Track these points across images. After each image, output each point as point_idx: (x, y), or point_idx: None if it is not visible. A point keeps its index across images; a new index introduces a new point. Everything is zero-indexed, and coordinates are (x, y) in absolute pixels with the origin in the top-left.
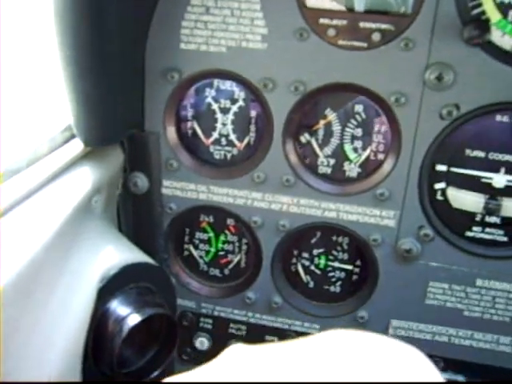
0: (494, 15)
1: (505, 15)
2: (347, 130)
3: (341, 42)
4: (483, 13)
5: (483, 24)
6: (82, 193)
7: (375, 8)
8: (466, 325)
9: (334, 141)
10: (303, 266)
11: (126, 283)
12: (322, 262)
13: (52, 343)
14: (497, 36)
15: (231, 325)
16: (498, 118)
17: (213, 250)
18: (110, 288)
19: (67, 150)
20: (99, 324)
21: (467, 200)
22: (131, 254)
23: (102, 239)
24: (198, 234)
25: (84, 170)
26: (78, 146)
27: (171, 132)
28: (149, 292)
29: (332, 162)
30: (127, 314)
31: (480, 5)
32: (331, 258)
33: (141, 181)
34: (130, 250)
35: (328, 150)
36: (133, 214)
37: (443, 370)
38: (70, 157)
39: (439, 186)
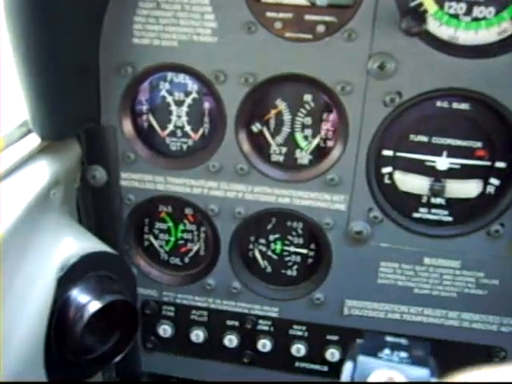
0: (431, 6)
1: (441, 6)
2: (297, 118)
3: (287, 35)
4: (421, 4)
5: (420, 15)
6: (40, 186)
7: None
8: (417, 302)
9: (285, 130)
10: (260, 251)
11: (85, 272)
12: (278, 247)
13: (13, 332)
14: (434, 26)
15: (193, 311)
16: (439, 103)
17: (172, 239)
18: (69, 277)
19: (24, 145)
20: (60, 312)
21: (413, 183)
22: (90, 244)
23: (61, 230)
24: (158, 224)
25: (41, 164)
26: (34, 140)
27: (127, 125)
28: (108, 280)
29: (284, 150)
30: (87, 302)
31: None
32: (287, 242)
33: (99, 173)
34: (89, 240)
35: (280, 138)
36: (92, 206)
37: None
38: (27, 151)
39: (386, 170)
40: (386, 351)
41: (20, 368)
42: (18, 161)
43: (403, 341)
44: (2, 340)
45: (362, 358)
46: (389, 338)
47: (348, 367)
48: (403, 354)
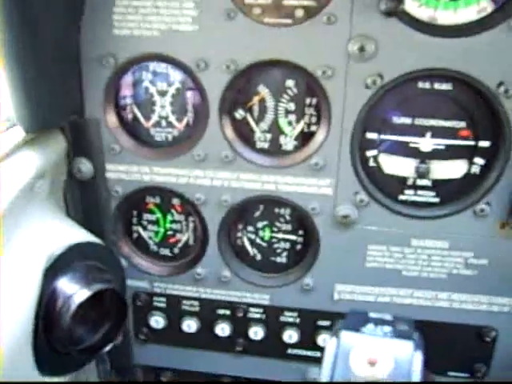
0: None
1: None
2: (280, 104)
3: (267, 20)
4: None
5: None
6: (25, 178)
7: None
8: (406, 284)
9: (269, 116)
10: (249, 239)
11: (72, 262)
12: (267, 234)
13: (0, 324)
14: (414, 7)
15: (184, 301)
16: (420, 85)
17: (161, 230)
18: (56, 267)
19: (8, 137)
20: (48, 302)
21: (398, 165)
22: (76, 234)
23: (47, 222)
24: (146, 216)
25: (26, 157)
26: (19, 133)
27: (111, 117)
28: (96, 270)
29: (268, 136)
30: (75, 291)
31: None
32: (275, 229)
33: (85, 166)
34: (76, 231)
35: (264, 125)
36: (80, 199)
37: None
38: (12, 144)
39: (371, 153)
40: (370, 326)
41: (9, 358)
42: (2, 154)
43: (387, 316)
44: None
45: (344, 333)
46: (372, 314)
47: (331, 343)
48: (387, 329)
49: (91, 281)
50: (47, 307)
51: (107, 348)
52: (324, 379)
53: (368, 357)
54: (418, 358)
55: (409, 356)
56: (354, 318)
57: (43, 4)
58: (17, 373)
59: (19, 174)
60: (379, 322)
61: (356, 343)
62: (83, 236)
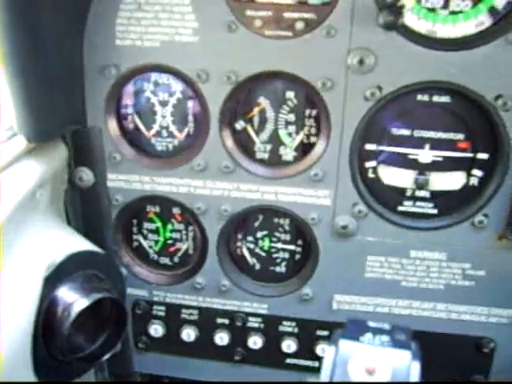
0: (408, 1)
1: (418, 0)
2: (280, 115)
3: (267, 32)
4: None
5: (397, 9)
6: (26, 187)
7: None
8: (405, 295)
9: (269, 127)
10: (248, 248)
11: (72, 271)
12: (266, 243)
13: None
14: (412, 20)
15: (183, 310)
16: (419, 97)
17: (161, 239)
18: (56, 276)
19: (10, 147)
20: (48, 311)
21: (397, 176)
22: (76, 243)
23: (47, 231)
24: (146, 225)
25: (27, 166)
26: (21, 142)
27: (113, 126)
28: (96, 278)
29: (268, 147)
30: (74, 300)
31: None
32: (274, 239)
33: (86, 175)
34: (76, 240)
35: (264, 136)
36: (81, 207)
37: None
38: (14, 153)
39: (370, 164)
40: (368, 335)
41: (7, 366)
42: (4, 163)
43: (385, 325)
44: None
45: (343, 342)
46: (371, 323)
47: (330, 352)
48: (385, 338)
49: (91, 290)
50: (47, 315)
51: (106, 356)
52: None
53: (366, 365)
54: (415, 368)
55: (406, 365)
56: (353, 327)
57: (46, 15)
58: (16, 380)
59: (21, 182)
60: (377, 332)
61: (354, 352)
62: (83, 245)
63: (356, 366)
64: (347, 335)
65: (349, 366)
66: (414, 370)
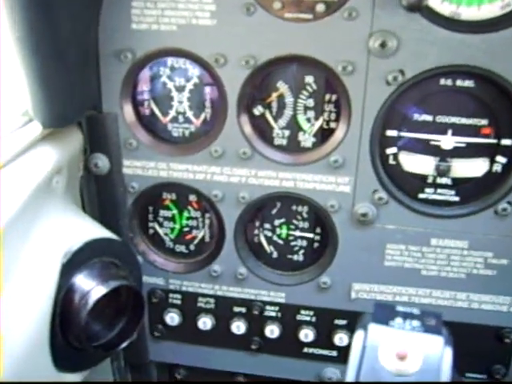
0: None
1: None
2: (299, 101)
3: (287, 15)
4: None
5: None
6: (42, 173)
7: None
8: (425, 283)
9: (288, 112)
10: (266, 236)
11: (89, 258)
12: (284, 231)
13: (17, 320)
14: (436, 2)
15: (200, 299)
16: (442, 81)
17: (177, 226)
18: (73, 263)
19: (26, 133)
20: (65, 299)
21: (418, 163)
22: (93, 230)
23: (64, 218)
24: (162, 212)
25: (43, 152)
26: (36, 128)
27: (128, 112)
28: (113, 266)
29: (287, 133)
30: (92, 288)
31: None
32: (292, 227)
33: (101, 161)
34: (93, 227)
35: (282, 121)
36: (96, 194)
37: None
38: (29, 139)
39: (391, 150)
40: (398, 320)
41: (25, 355)
42: (20, 148)
43: (415, 310)
44: (7, 328)
45: (373, 326)
46: (400, 308)
47: (359, 336)
48: (415, 323)
49: (108, 277)
50: (64, 303)
51: (124, 345)
52: (351, 371)
53: (397, 351)
54: (448, 354)
55: (439, 351)
56: (382, 312)
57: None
58: (33, 368)
59: (37, 169)
60: (407, 316)
61: (385, 336)
62: (100, 232)
63: (387, 350)
64: (376, 319)
65: (379, 351)
66: (447, 357)
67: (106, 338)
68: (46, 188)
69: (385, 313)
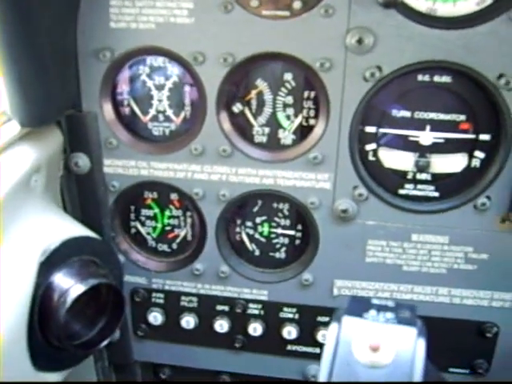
0: None
1: None
2: (278, 98)
3: (264, 12)
4: None
5: None
6: (20, 172)
7: None
8: (406, 279)
9: (267, 110)
10: (247, 234)
11: (68, 257)
12: (266, 229)
13: None
14: None
15: (182, 297)
16: (420, 77)
17: (159, 225)
18: (52, 262)
19: (4, 132)
20: (44, 297)
21: (398, 159)
22: (72, 229)
23: (43, 216)
24: (144, 211)
25: (22, 151)
26: (15, 127)
27: (108, 111)
28: (93, 264)
29: (267, 130)
30: (71, 286)
31: None
32: (274, 224)
33: (82, 161)
34: (72, 225)
35: (262, 119)
36: (77, 194)
37: None
38: (7, 138)
39: (370, 146)
40: (372, 312)
41: (3, 353)
42: None
43: (389, 303)
44: None
45: (346, 319)
46: (375, 301)
47: (333, 329)
48: (389, 315)
49: (87, 275)
50: (42, 302)
51: (104, 343)
52: (325, 364)
53: (370, 342)
54: (421, 345)
55: (412, 342)
56: (356, 304)
57: None
58: (11, 367)
59: (15, 168)
60: (382, 309)
61: (358, 329)
62: (79, 230)
63: (360, 342)
64: (350, 312)
65: (352, 343)
66: (420, 348)
67: (86, 336)
68: (25, 187)
69: (359, 305)
